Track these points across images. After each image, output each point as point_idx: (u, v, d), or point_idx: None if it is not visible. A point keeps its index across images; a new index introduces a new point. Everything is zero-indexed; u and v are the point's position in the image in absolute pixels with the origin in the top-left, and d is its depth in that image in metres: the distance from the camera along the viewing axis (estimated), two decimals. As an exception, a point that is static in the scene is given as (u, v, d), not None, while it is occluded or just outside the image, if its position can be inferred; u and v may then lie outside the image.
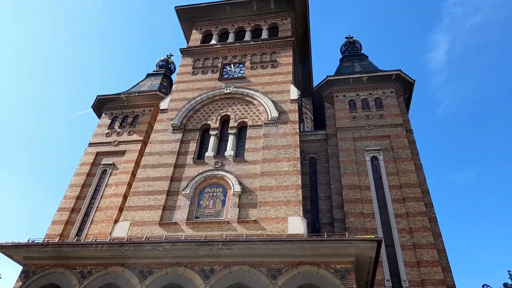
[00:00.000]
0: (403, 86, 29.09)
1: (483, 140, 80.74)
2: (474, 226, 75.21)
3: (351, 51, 35.13)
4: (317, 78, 52.64)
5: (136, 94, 31.08)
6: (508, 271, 23.23)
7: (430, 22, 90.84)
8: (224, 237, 16.93)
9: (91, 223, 23.81)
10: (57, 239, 21.40)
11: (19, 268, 17.98)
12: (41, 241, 18.01)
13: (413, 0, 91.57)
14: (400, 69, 28.90)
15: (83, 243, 18.01)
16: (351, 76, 29.57)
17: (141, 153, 26.31)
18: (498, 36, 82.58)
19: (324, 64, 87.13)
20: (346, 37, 36.78)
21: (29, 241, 17.74)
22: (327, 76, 29.88)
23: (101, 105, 31.34)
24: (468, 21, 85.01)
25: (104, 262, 17.12)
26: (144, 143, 27.14)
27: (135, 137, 28.31)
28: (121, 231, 19.42)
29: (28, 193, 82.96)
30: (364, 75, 29.38)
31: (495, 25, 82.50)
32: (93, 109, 31.60)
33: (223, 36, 31.43)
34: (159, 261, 16.75)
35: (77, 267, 17.19)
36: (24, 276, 17.37)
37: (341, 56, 35.47)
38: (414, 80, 28.99)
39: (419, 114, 76.20)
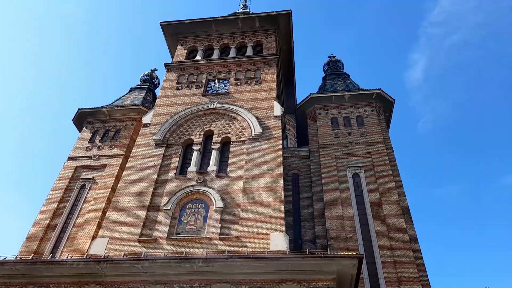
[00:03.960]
0: (384, 104, 29.83)
1: (461, 156, 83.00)
2: (453, 242, 76.42)
3: (334, 69, 35.95)
4: (301, 95, 53.35)
5: (119, 108, 30.77)
6: (486, 288, 23.59)
7: (408, 41, 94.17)
8: (205, 254, 16.68)
9: (67, 240, 23.05)
10: (31, 256, 20.58)
11: (-11, 287, 17.17)
12: (13, 259, 17.29)
13: (391, 21, 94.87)
14: (380, 88, 29.69)
15: (57, 261, 17.37)
16: (333, 94, 30.17)
17: (122, 168, 25.82)
18: (474, 57, 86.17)
19: (308, 82, 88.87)
20: (329, 56, 37.67)
21: (0, 258, 17.00)
22: (310, 93, 30.40)
23: (82, 119, 30.82)
24: (444, 41, 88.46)
25: (80, 280, 16.50)
26: (126, 157, 26.70)
27: (116, 151, 27.85)
28: (99, 248, 18.87)
29: (1, 207, 79.93)
30: (346, 93, 30.04)
31: (471, 46, 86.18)
32: (74, 123, 31.03)
33: (208, 52, 31.71)
34: (137, 279, 16.27)
35: (51, 285, 16.50)
36: (-7, 295, 16.59)
37: (324, 74, 36.22)
38: (394, 99, 29.80)
39: (398, 130, 78.07)
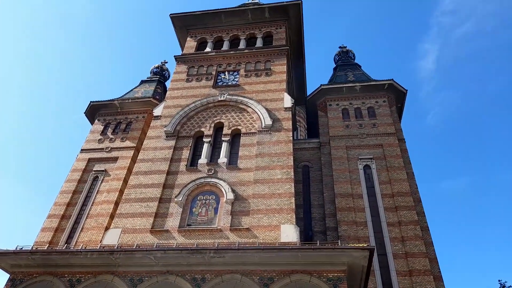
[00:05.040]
0: (396, 95, 29.39)
1: (472, 148, 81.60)
2: (465, 234, 75.61)
3: (345, 60, 35.47)
4: (311, 86, 52.96)
5: (130, 101, 31.00)
6: (499, 281, 23.43)
7: (419, 31, 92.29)
8: (216, 245, 16.81)
9: (81, 231, 23.49)
10: (46, 247, 21.05)
11: (6, 276, 17.62)
12: (29, 249, 17.71)
13: (402, 10, 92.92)
14: (392, 79, 29.22)
15: (72, 251, 17.74)
16: (344, 85, 29.83)
17: (133, 160, 26.12)
18: (485, 46, 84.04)
19: (318, 73, 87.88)
20: (340, 47, 37.16)
21: (17, 249, 17.42)
22: (321, 84, 30.09)
23: (94, 111, 31.19)
24: (456, 30, 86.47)
25: (94, 270, 16.84)
26: (137, 149, 26.97)
27: (128, 143, 28.13)
28: (112, 238, 19.18)
29: (17, 199, 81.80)
30: (357, 84, 29.67)
31: (483, 35, 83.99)
32: (86, 115, 31.43)
33: (218, 44, 31.60)
34: (150, 269, 16.53)
35: (66, 275, 16.88)
36: (11, 284, 16.99)
37: (334, 65, 35.78)
38: (407, 90, 29.31)
39: (409, 121, 76.93)
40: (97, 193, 25.48)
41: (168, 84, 33.24)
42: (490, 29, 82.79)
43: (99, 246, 18.74)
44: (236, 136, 24.05)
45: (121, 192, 24.13)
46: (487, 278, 65.86)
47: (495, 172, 77.04)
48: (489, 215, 74.59)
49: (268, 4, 32.25)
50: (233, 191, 20.35)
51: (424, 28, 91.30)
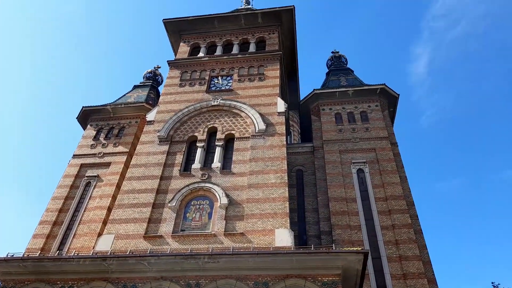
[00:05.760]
0: (388, 99, 29.71)
1: (466, 149, 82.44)
2: (458, 237, 76.17)
3: (337, 65, 35.79)
4: (304, 91, 53.33)
5: (123, 106, 30.87)
6: (492, 283, 23.59)
7: (410, 35, 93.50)
8: (210, 250, 16.74)
9: (73, 237, 23.23)
10: (38, 254, 20.76)
11: (-3, 284, 17.35)
12: (21, 256, 17.45)
13: (393, 15, 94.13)
14: (384, 84, 29.55)
15: (64, 257, 17.53)
16: (337, 90, 30.08)
17: (126, 165, 25.96)
18: (478, 48, 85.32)
19: (311, 77, 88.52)
20: (332, 52, 37.51)
21: (8, 256, 17.17)
22: (314, 89, 30.33)
23: (86, 117, 30.98)
24: (447, 33, 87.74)
25: (87, 276, 16.66)
26: (130, 155, 26.81)
27: (120, 148, 27.97)
28: (105, 244, 18.98)
29: (8, 205, 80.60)
30: (350, 89, 29.94)
31: (475, 37, 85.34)
32: (78, 120, 31.19)
33: (211, 48, 31.70)
34: (143, 275, 16.39)
35: (58, 282, 16.67)
36: (2, 292, 16.75)
37: (327, 70, 36.09)
38: (399, 94, 29.66)
39: (401, 124, 77.59)
40: (89, 199, 25.25)
41: (161, 89, 33.18)
42: (482, 31, 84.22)
43: (91, 252, 18.54)
44: (229, 140, 24.06)
45: (114, 197, 23.93)
46: (480, 280, 66.39)
47: (489, 173, 77.93)
48: (483, 216, 75.30)
49: (261, 9, 32.50)
50: (227, 196, 20.31)
51: (416, 32, 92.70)
